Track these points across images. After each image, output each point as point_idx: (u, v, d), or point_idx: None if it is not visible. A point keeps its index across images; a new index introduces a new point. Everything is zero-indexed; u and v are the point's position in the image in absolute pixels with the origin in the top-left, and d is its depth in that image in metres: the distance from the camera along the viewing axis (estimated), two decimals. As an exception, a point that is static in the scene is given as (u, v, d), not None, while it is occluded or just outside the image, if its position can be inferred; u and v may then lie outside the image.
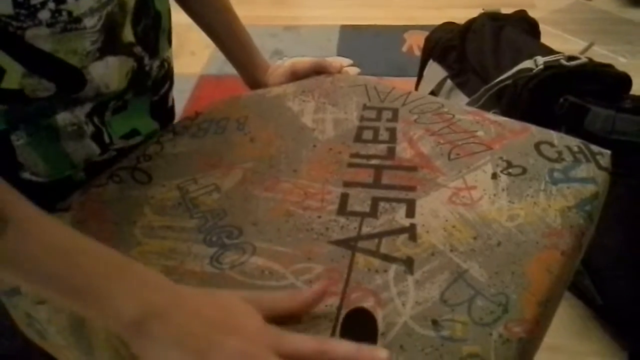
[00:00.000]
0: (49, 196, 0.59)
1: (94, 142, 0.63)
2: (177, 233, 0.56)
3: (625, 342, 1.00)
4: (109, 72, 0.60)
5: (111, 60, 0.59)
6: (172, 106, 0.77)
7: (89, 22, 0.55)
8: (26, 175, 0.59)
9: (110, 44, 0.58)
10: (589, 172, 0.60)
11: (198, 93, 1.95)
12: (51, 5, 0.51)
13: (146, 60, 0.65)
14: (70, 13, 0.53)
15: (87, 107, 0.61)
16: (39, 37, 0.52)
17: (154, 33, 0.66)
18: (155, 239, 0.55)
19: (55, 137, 0.59)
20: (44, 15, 0.51)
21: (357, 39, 2.24)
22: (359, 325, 0.46)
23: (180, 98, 1.85)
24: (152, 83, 0.69)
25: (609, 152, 0.63)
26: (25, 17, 0.50)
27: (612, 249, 0.96)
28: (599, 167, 0.61)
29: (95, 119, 0.62)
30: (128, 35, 0.61)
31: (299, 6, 2.59)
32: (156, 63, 0.68)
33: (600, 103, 0.99)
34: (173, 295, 0.44)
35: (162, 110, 0.73)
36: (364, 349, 0.43)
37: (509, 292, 0.48)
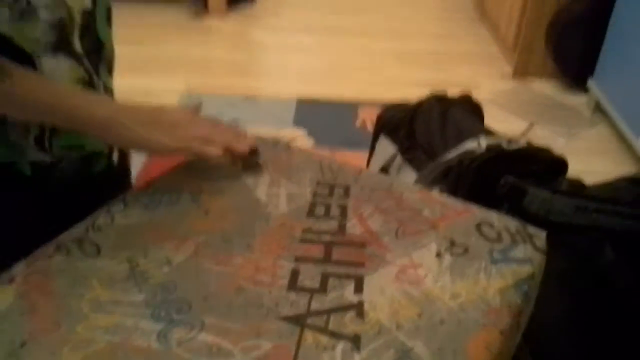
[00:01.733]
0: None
1: (35, 144, 0.70)
2: (124, 308, 0.55)
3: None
4: (59, 72, 0.69)
5: (62, 61, 0.69)
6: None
7: (42, 14, 0.64)
8: None
9: (62, 44, 0.68)
10: (526, 253, 0.63)
11: (152, 162, 1.94)
12: None
13: (95, 78, 0.74)
14: (28, 2, 0.63)
15: None
16: (0, 20, 0.61)
17: (95, 56, 0.75)
18: (102, 314, 0.54)
19: (1, 122, 0.68)
20: None
21: (312, 112, 2.31)
22: None
23: (139, 163, 1.85)
24: None
25: (544, 233, 0.67)
26: None
27: (552, 325, 1.00)
28: (535, 248, 0.64)
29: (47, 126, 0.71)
30: (77, 45, 0.70)
31: (259, 78, 2.67)
32: (101, 85, 0.76)
33: (538, 184, 1.05)
34: (125, 101, 0.68)
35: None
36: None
37: (451, 371, 0.49)
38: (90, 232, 0.65)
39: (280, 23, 3.16)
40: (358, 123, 2.25)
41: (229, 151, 0.70)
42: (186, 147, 0.68)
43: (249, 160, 0.75)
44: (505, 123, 2.17)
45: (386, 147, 1.43)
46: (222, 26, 3.10)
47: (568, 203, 1.02)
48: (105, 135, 0.68)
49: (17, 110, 0.66)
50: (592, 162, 2.05)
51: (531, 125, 2.10)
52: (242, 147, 0.72)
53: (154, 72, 2.57)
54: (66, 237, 0.64)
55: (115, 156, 0.83)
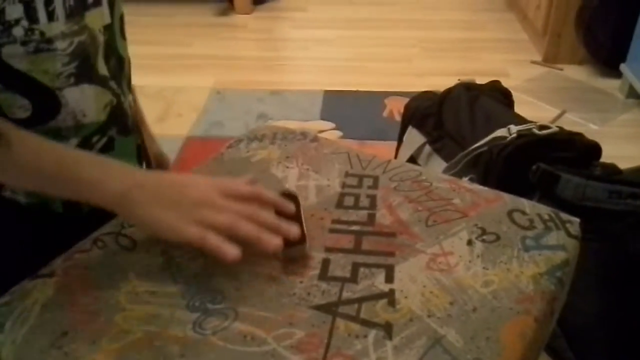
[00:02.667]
0: (29, 220, 0.65)
1: None
2: (160, 298, 0.56)
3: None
4: (84, 100, 0.65)
5: (87, 89, 0.65)
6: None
7: (60, 44, 0.60)
8: (7, 193, 0.64)
9: (85, 72, 0.64)
10: (559, 240, 0.62)
11: (184, 155, 1.98)
12: (24, 23, 0.56)
13: (122, 98, 0.70)
14: (42, 33, 0.58)
15: (73, 142, 0.65)
16: (14, 55, 0.57)
17: (119, 74, 0.71)
18: (139, 305, 0.56)
19: None
20: (18, 32, 0.56)
21: (339, 104, 2.31)
22: None
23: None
24: (132, 124, 0.72)
25: (577, 220, 0.66)
26: (1, 32, 0.55)
27: (588, 313, 0.98)
28: (569, 234, 0.63)
29: None
30: (102, 68, 0.66)
31: (285, 72, 2.68)
32: (127, 104, 0.73)
33: (571, 170, 1.04)
34: (144, 173, 0.63)
35: (145, 156, 0.78)
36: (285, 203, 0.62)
37: (484, 358, 0.49)
38: (126, 227, 0.67)
39: (305, 17, 3.16)
40: (385, 113, 2.24)
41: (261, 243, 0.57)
42: (200, 239, 0.55)
43: (291, 251, 0.60)
44: (536, 111, 2.14)
45: (414, 137, 1.43)
46: (248, 23, 3.11)
47: (602, 188, 1.00)
48: (114, 211, 0.60)
49: (15, 179, 0.59)
50: (626, 147, 2.01)
51: (563, 112, 2.06)
52: (275, 241, 0.57)
53: (182, 71, 2.60)
54: (102, 232, 0.66)
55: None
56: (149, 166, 0.83)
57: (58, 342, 0.52)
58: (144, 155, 0.82)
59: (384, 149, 1.90)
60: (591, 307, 0.98)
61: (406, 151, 1.43)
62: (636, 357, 0.97)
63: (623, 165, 1.17)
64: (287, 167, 0.77)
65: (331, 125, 2.15)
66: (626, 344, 0.95)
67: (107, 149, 0.69)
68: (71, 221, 0.69)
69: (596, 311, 0.98)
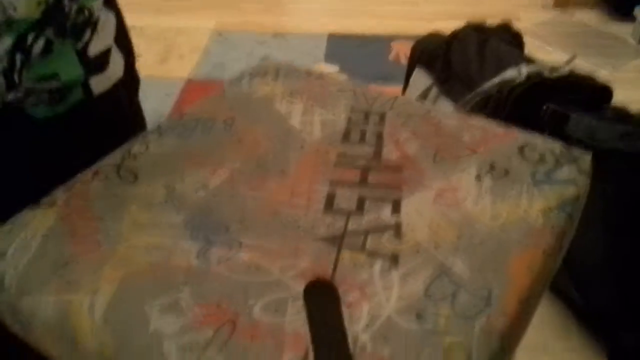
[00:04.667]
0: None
1: (2, 77, 0.63)
2: (163, 229, 0.56)
3: (606, 344, 1.02)
4: None
5: None
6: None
7: None
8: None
9: None
10: (570, 175, 0.61)
11: (185, 96, 1.95)
12: None
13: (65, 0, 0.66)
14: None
15: (7, 42, 0.62)
16: None
17: None
18: (142, 235, 0.55)
19: None
20: None
21: (344, 47, 2.26)
22: (323, 298, 0.47)
23: (167, 101, 1.85)
24: (71, 26, 0.69)
25: (589, 156, 0.65)
26: None
27: (594, 252, 0.98)
28: (580, 170, 0.62)
29: (18, 56, 0.63)
30: None
31: (288, 14, 2.61)
32: (74, 6, 0.68)
33: (582, 111, 1.01)
34: None
35: (88, 59, 0.74)
36: None
37: (491, 288, 0.48)
38: (127, 160, 0.65)
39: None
40: (391, 57, 2.19)
41: None
42: None
43: None
44: (546, 55, 2.08)
45: (422, 79, 1.39)
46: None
47: (613, 129, 0.98)
48: None
49: None
50: (637, 92, 1.97)
51: (574, 56, 2.01)
52: None
53: (183, 12, 2.54)
54: (103, 164, 0.65)
55: (93, 84, 0.75)
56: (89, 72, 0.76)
57: (60, 271, 0.52)
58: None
59: (390, 92, 1.86)
60: (598, 248, 0.98)
61: (413, 93, 1.41)
62: None
63: (635, 109, 1.15)
64: (291, 103, 0.75)
65: (335, 68, 2.11)
66: (632, 285, 0.95)
67: (45, 52, 0.66)
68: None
69: (603, 252, 0.97)
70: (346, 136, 0.68)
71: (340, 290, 0.49)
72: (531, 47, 1.57)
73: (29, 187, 0.60)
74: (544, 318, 1.10)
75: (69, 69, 0.70)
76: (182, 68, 2.12)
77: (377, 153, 0.65)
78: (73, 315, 0.49)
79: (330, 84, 0.79)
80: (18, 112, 0.67)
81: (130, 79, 0.85)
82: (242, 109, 0.73)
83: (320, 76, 0.80)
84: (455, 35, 1.38)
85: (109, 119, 0.77)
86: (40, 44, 0.66)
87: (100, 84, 0.76)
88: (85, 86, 0.74)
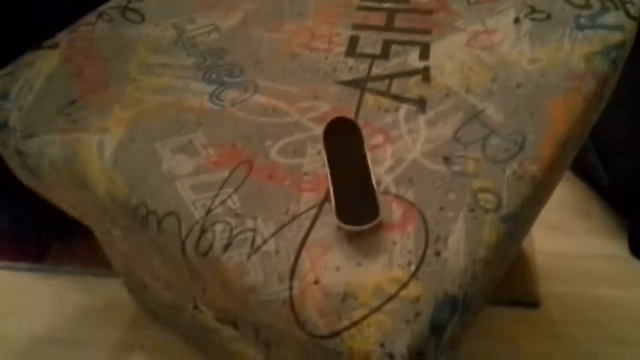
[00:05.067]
0: None
1: None
2: (173, 71, 0.52)
3: (627, 222, 1.00)
4: None
5: None
6: None
7: None
8: None
9: None
10: (617, 20, 0.55)
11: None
12: None
13: None
14: None
15: None
16: None
17: None
18: (151, 76, 0.51)
19: None
20: None
21: None
22: (344, 136, 0.44)
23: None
24: None
25: (640, 1, 0.58)
26: None
27: (623, 125, 0.93)
28: (628, 15, 0.56)
29: None
30: None
31: None
32: None
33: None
34: None
35: None
36: None
37: (526, 132, 0.45)
38: (133, 1, 0.60)
39: None
40: None
41: None
42: None
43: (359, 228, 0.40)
44: None
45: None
46: None
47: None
48: None
49: None
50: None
51: None
52: None
53: None
54: (107, 6, 0.60)
55: None
56: None
57: (66, 110, 0.49)
58: None
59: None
60: (630, 121, 0.93)
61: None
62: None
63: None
64: (311, -56, 0.67)
65: None
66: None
67: None
68: None
69: (635, 126, 0.93)
70: (371, -21, 0.62)
71: (363, 133, 0.45)
72: None
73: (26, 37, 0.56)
74: (565, 198, 1.08)
75: None
76: None
77: (405, -4, 0.59)
78: (82, 154, 0.47)
79: None
80: None
81: None
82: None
83: None
84: None
85: None
86: None
87: None
88: None
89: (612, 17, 0.55)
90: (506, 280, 0.83)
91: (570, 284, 0.94)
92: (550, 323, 0.88)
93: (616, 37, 0.53)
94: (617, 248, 1.02)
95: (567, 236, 1.04)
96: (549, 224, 1.05)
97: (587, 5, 0.56)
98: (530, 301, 0.85)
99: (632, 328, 0.87)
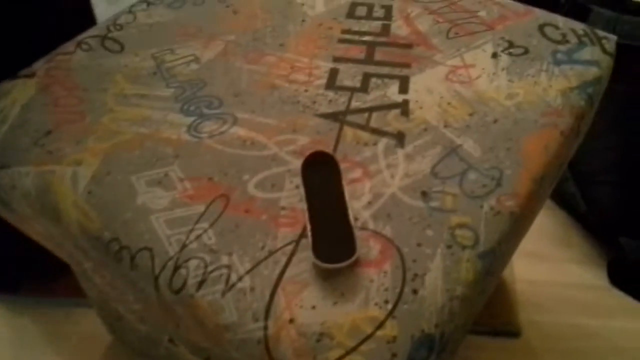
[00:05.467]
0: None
1: None
2: (152, 101, 0.52)
3: (606, 250, 1.01)
4: None
5: None
6: None
7: None
8: None
9: None
10: (593, 55, 0.56)
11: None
12: None
13: None
14: None
15: None
16: None
17: None
18: (129, 107, 0.51)
19: None
20: None
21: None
22: (322, 171, 0.44)
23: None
24: None
25: (614, 37, 0.59)
26: None
27: (601, 153, 0.95)
28: (604, 51, 0.57)
29: None
30: None
31: None
32: None
33: (604, 3, 0.94)
34: None
35: None
36: None
37: (503, 167, 0.45)
38: (113, 30, 0.60)
39: None
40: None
41: None
42: None
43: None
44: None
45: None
46: None
47: (636, 23, 0.91)
48: None
49: None
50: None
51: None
52: None
53: None
54: (86, 35, 0.60)
55: None
56: None
57: (41, 141, 0.48)
58: None
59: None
60: (607, 150, 0.94)
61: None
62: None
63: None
64: (293, -24, 0.68)
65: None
66: (638, 190, 0.93)
67: None
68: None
69: (612, 156, 0.94)
70: (352, 11, 0.62)
71: (342, 168, 0.45)
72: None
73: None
74: (544, 227, 1.08)
75: None
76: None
77: (386, 28, 0.59)
78: (55, 186, 0.46)
79: (335, -42, 0.72)
80: None
81: None
82: (238, -20, 0.67)
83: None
84: None
85: None
86: None
87: None
88: None
89: (588, 53, 0.56)
90: (486, 310, 0.83)
91: (550, 313, 0.94)
92: (530, 352, 0.88)
93: (592, 72, 0.54)
94: (597, 277, 1.02)
95: (547, 264, 1.04)
96: (529, 252, 1.06)
97: (564, 41, 0.57)
98: (510, 330, 0.85)
99: (612, 357, 0.87)
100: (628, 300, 0.95)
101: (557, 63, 0.54)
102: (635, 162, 0.93)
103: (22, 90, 0.53)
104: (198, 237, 0.41)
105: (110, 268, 0.44)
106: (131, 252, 0.41)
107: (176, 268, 0.40)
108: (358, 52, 0.57)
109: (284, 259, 0.39)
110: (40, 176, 0.46)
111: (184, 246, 0.41)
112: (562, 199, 1.05)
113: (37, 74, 0.55)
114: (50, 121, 0.50)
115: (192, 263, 0.40)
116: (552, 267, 1.02)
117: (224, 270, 0.39)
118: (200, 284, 0.39)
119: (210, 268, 0.39)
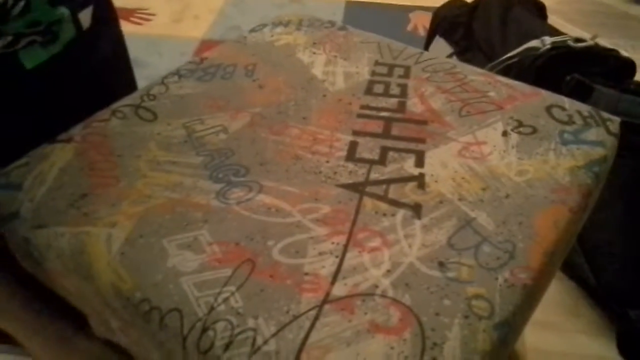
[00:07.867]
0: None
1: None
2: (182, 168, 0.55)
3: (615, 322, 1.02)
4: None
5: None
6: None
7: None
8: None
9: None
10: (599, 136, 0.59)
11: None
12: None
13: None
14: None
15: None
16: None
17: None
18: (161, 173, 0.54)
19: None
20: None
21: (361, 15, 2.22)
22: None
23: (182, 60, 1.83)
24: None
25: (618, 119, 0.63)
26: None
27: (609, 228, 0.97)
28: (609, 132, 0.60)
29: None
30: None
31: (304, -20, 2.56)
32: None
33: (606, 83, 0.99)
34: None
35: None
36: None
37: (515, 241, 0.47)
38: (146, 100, 0.64)
39: None
40: (409, 28, 2.16)
41: None
42: None
43: None
44: (566, 32, 2.04)
45: (442, 48, 1.37)
46: None
47: (636, 103, 0.96)
48: None
49: None
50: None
51: (595, 35, 1.97)
52: None
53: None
54: (121, 104, 0.64)
55: (84, 19, 0.70)
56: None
57: (77, 203, 0.51)
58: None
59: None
60: (614, 224, 0.96)
61: (431, 61, 1.38)
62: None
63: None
64: (314, 53, 0.73)
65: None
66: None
67: (24, 12, 0.62)
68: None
69: (619, 229, 0.96)
70: (369, 88, 0.66)
71: (362, 236, 0.48)
72: (551, 24, 1.54)
73: (30, 137, 0.59)
74: (554, 297, 1.09)
75: (45, 10, 0.64)
76: (197, 28, 2.09)
77: (401, 106, 0.63)
78: (89, 247, 0.48)
79: (354, 36, 0.77)
80: (10, 62, 0.63)
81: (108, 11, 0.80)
82: (263, 56, 0.72)
83: (344, 27, 0.78)
84: (478, 3, 1.35)
85: (103, 55, 0.74)
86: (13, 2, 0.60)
87: (86, 17, 0.71)
88: (75, 21, 0.69)
89: (593, 134, 0.59)
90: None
91: (561, 386, 0.93)
92: None
93: (598, 152, 0.57)
94: (606, 348, 1.02)
95: (558, 335, 1.04)
96: (539, 322, 1.06)
97: (570, 122, 0.61)
98: (521, 404, 0.84)
99: None
100: (638, 375, 0.95)
101: (565, 143, 0.58)
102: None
103: (60, 154, 0.56)
104: (225, 299, 0.43)
105: (138, 327, 0.46)
106: (161, 312, 0.43)
107: (204, 329, 0.42)
108: (376, 126, 0.60)
109: (307, 324, 0.41)
110: (75, 237, 0.49)
111: (212, 308, 0.42)
112: (570, 270, 1.06)
113: (74, 139, 0.58)
114: (86, 184, 0.53)
115: (220, 325, 0.41)
116: (562, 337, 1.02)
117: (250, 333, 0.41)
118: (227, 346, 0.40)
119: (237, 330, 0.41)
